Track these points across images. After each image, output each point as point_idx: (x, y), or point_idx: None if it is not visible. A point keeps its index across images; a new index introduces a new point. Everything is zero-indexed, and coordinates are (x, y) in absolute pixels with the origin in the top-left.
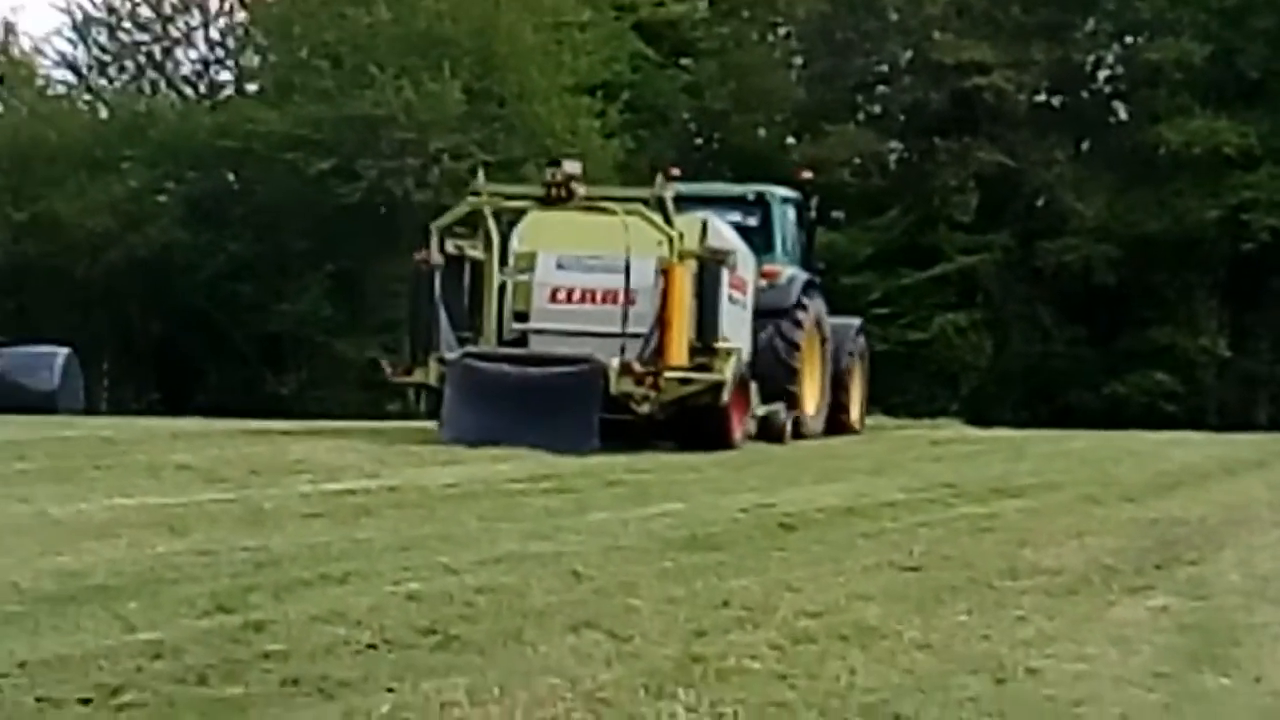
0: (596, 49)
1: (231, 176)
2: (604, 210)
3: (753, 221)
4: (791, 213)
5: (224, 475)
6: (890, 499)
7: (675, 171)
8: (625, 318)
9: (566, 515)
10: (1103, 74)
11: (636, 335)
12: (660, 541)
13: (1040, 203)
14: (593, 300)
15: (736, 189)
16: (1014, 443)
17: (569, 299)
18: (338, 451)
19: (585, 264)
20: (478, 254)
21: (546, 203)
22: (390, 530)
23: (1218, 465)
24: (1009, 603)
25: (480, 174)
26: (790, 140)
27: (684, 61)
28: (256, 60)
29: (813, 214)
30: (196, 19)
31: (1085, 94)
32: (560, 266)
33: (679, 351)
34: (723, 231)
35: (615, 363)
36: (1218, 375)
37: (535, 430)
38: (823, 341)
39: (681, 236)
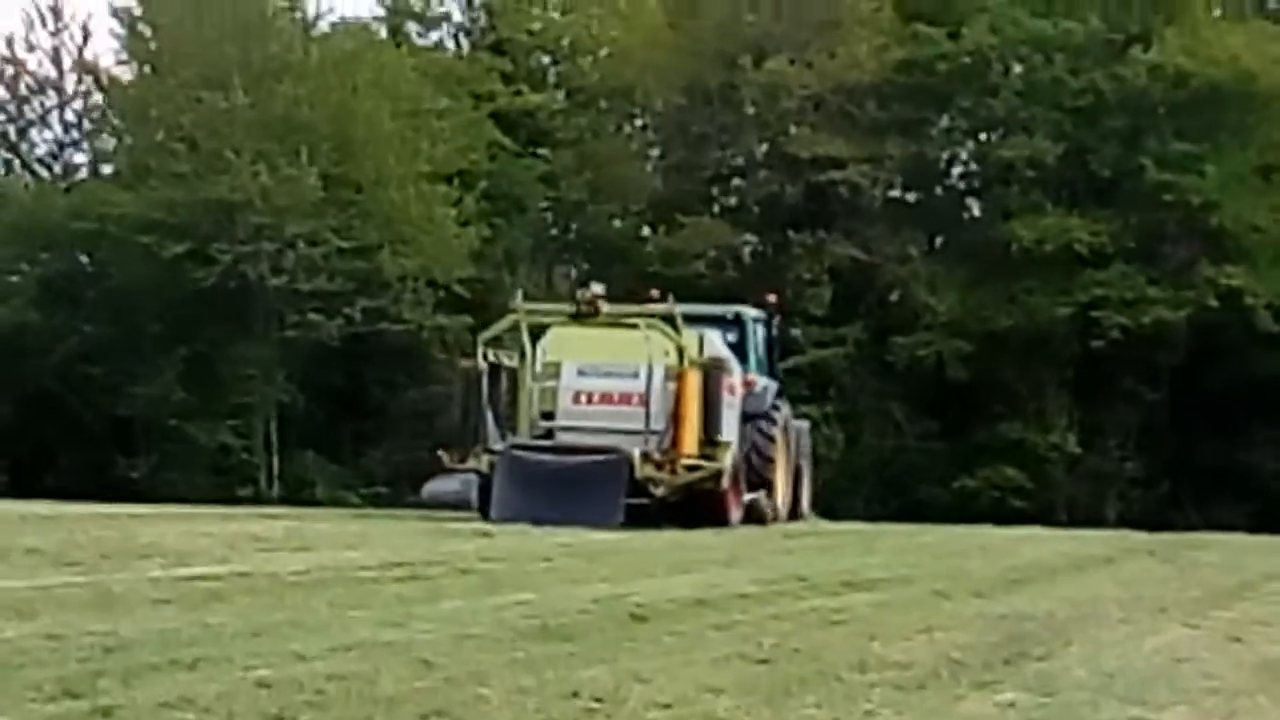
0: (453, 137)
1: (85, 258)
2: (628, 325)
3: (731, 337)
4: (761, 330)
5: (73, 559)
6: (742, 591)
7: (655, 293)
8: (648, 416)
9: (418, 603)
10: (956, 170)
11: (652, 431)
12: (511, 631)
13: (894, 297)
14: (610, 401)
15: (717, 309)
16: (865, 536)
17: (590, 401)
18: (188, 536)
19: (603, 371)
20: (511, 363)
21: (576, 318)
22: (240, 616)
23: (1066, 561)
24: (858, 696)
25: (519, 294)
26: (646, 231)
27: (541, 151)
28: (112, 143)
29: (775, 332)
30: (52, 100)
31: (939, 190)
32: (581, 373)
33: (690, 444)
34: (716, 344)
35: (637, 453)
36: (1067, 471)
37: (571, 509)
38: (787, 441)
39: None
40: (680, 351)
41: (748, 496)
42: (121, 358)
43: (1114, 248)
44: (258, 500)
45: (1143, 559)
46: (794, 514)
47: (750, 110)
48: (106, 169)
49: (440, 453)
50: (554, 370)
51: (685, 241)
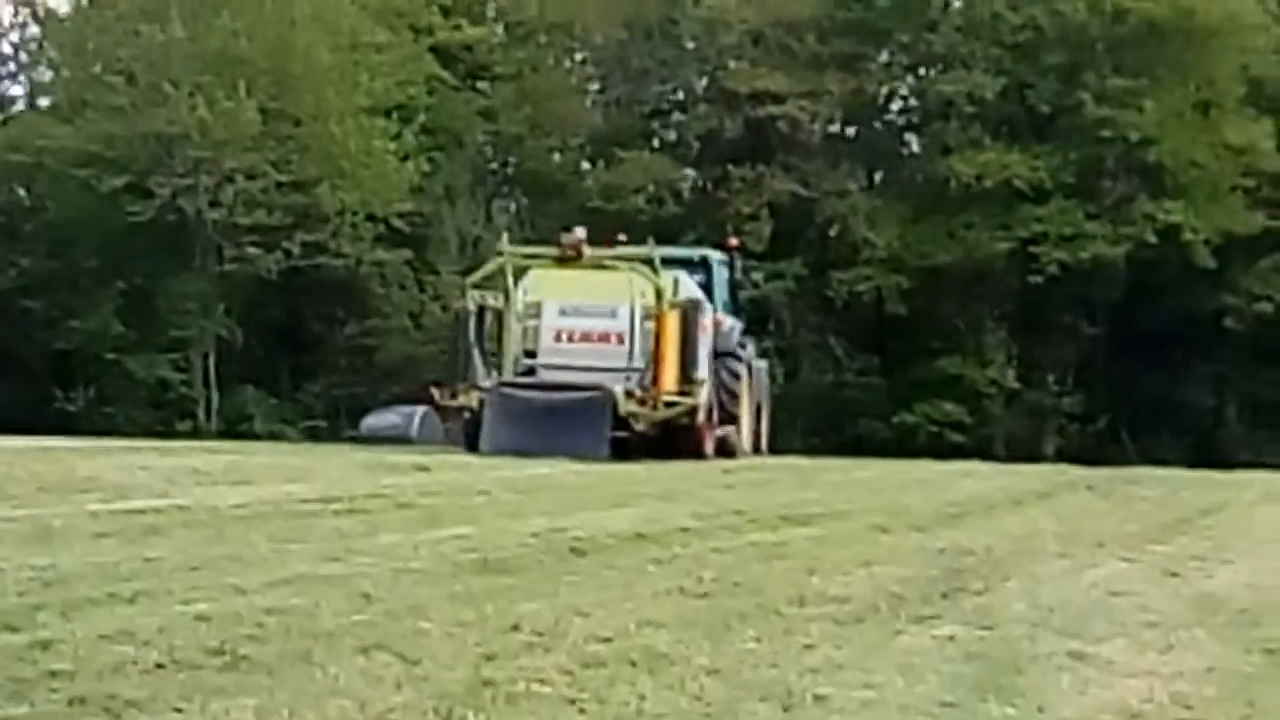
0: (392, 71)
1: (23, 192)
2: (610, 268)
3: (698, 279)
4: (725, 272)
5: (11, 493)
6: (681, 525)
7: (622, 237)
8: (631, 354)
9: (357, 537)
10: (896, 106)
11: (632, 369)
12: (451, 565)
13: (833, 232)
14: (590, 340)
15: (685, 252)
16: (804, 471)
17: (570, 339)
18: (127, 470)
19: (583, 311)
20: (495, 304)
21: (561, 261)
22: (180, 550)
23: (1004, 496)
24: (797, 630)
25: (504, 237)
26: (585, 166)
27: (480, 85)
28: (49, 75)
29: (738, 275)
30: None
31: (878, 125)
32: (563, 313)
33: (670, 381)
34: (689, 286)
35: (620, 389)
36: (1005, 406)
37: (558, 442)
38: (751, 379)
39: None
40: (658, 292)
41: (719, 431)
42: (59, 291)
43: (1053, 183)
44: (196, 434)
45: (1080, 494)
46: (755, 448)
47: (690, 45)
48: (43, 102)
49: (432, 389)
50: (535, 310)
51: (625, 176)
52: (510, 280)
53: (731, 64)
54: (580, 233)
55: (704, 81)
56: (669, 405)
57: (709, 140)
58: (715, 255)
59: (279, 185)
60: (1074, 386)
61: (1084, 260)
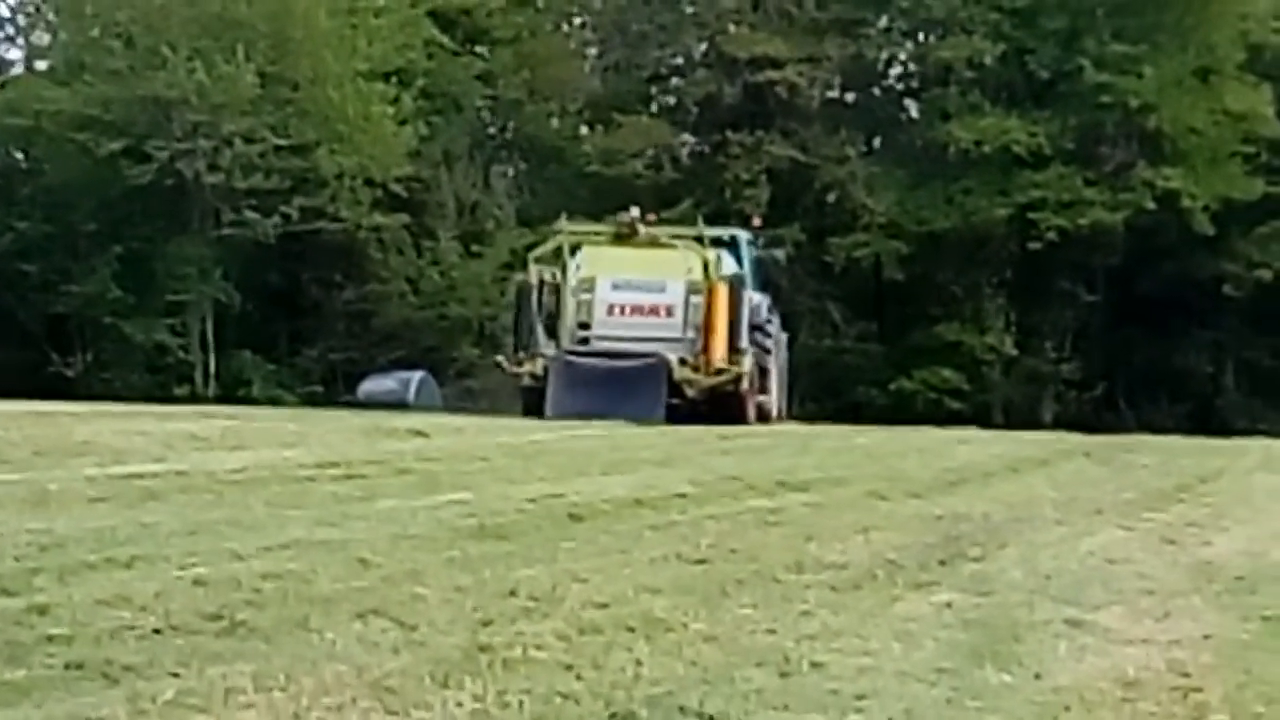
0: (391, 35)
1: (20, 155)
2: (664, 245)
3: (728, 256)
4: (752, 250)
5: (8, 457)
6: (678, 491)
7: (651, 216)
8: (684, 326)
9: (354, 503)
10: (895, 71)
11: (681, 340)
12: (448, 530)
13: (831, 198)
14: (639, 313)
15: (716, 231)
16: (801, 437)
17: (622, 312)
18: (125, 434)
19: (634, 285)
20: (552, 279)
21: (617, 239)
22: (177, 515)
23: (1002, 463)
24: (794, 596)
25: (563, 217)
26: (584, 130)
27: (478, 49)
28: (47, 38)
29: (759, 252)
30: None
31: (877, 91)
32: (615, 287)
33: (720, 350)
34: (729, 263)
35: (674, 358)
36: (1003, 373)
37: (619, 407)
38: (778, 350)
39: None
40: (706, 268)
41: (759, 399)
42: (56, 255)
43: (1052, 149)
44: (194, 399)
45: (1078, 461)
46: (779, 415)
47: (689, 9)
48: (41, 65)
49: (498, 359)
50: (590, 285)
51: (623, 141)
52: (567, 256)
53: (730, 29)
54: (635, 211)
55: (703, 46)
56: (718, 373)
57: (708, 105)
58: (743, 234)
59: (277, 149)
60: (1072, 353)
61: (1083, 227)
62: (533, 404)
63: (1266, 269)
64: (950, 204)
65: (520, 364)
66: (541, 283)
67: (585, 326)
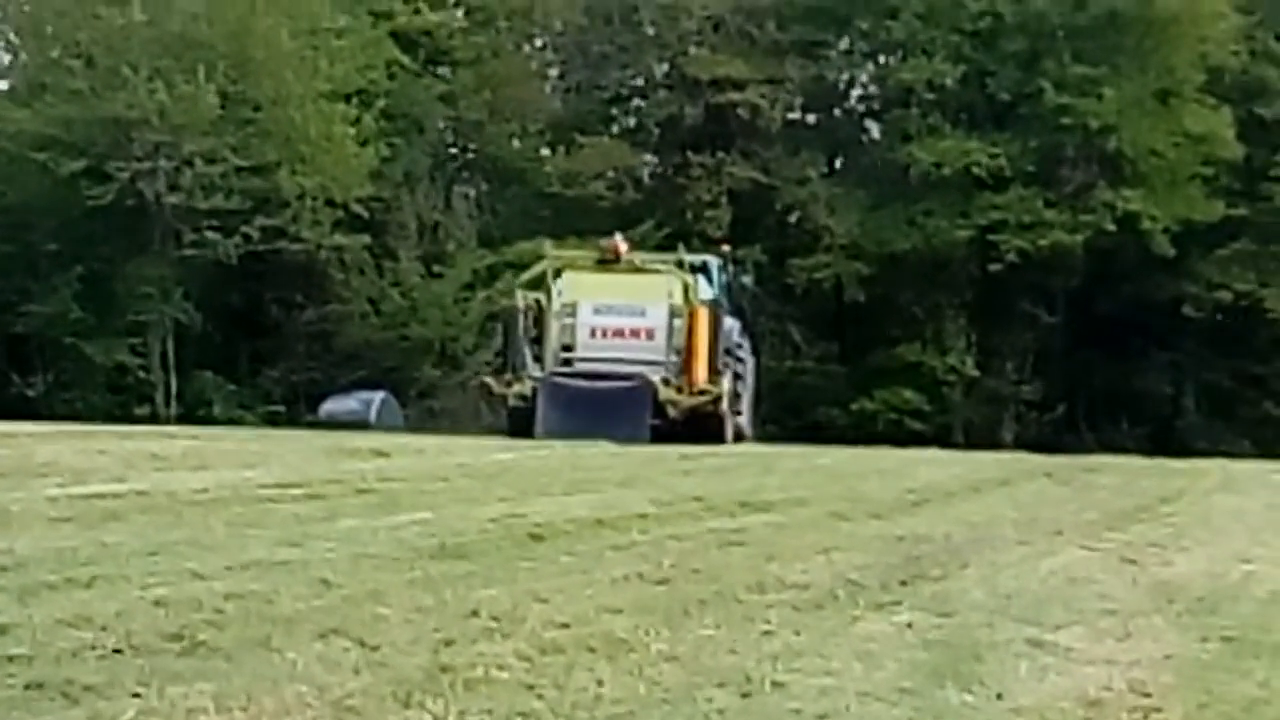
0: (352, 55)
1: None
2: (646, 270)
3: (704, 281)
4: (723, 276)
5: None
6: (640, 511)
7: (625, 246)
8: (667, 349)
9: (315, 522)
10: (856, 93)
11: (662, 362)
12: (409, 550)
13: (793, 219)
14: (621, 336)
15: (689, 257)
16: (763, 457)
17: (604, 335)
18: (86, 454)
19: (615, 309)
20: (534, 303)
21: (602, 264)
22: (138, 535)
23: (963, 483)
24: (756, 616)
25: (548, 244)
26: (545, 151)
27: (440, 70)
28: (7, 59)
29: (729, 277)
30: None
31: (838, 112)
32: (597, 311)
33: (702, 372)
34: (705, 287)
35: (658, 380)
36: (964, 394)
37: (606, 427)
38: (748, 373)
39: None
40: (687, 292)
41: (736, 419)
42: (16, 275)
43: (1012, 171)
44: (155, 419)
45: (1039, 481)
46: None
47: (650, 31)
48: (1, 85)
49: (487, 380)
50: (572, 309)
51: (584, 162)
52: (551, 281)
53: (692, 50)
54: (619, 238)
55: (664, 67)
56: (700, 394)
57: (669, 126)
58: (714, 260)
59: (238, 170)
60: (1032, 374)
61: (1043, 248)
62: (520, 425)
63: (1226, 291)
64: (911, 225)
65: (509, 385)
66: (527, 307)
67: (568, 349)
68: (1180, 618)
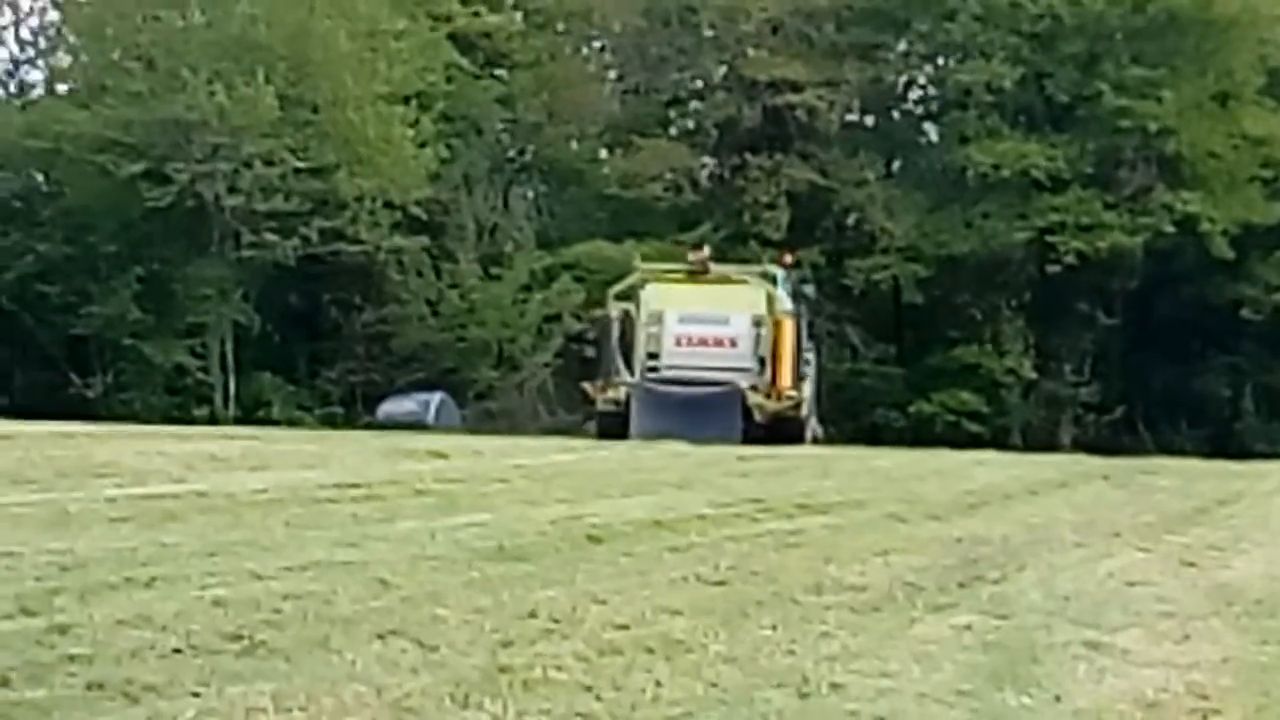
0: (411, 58)
1: (41, 177)
2: (733, 281)
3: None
4: (786, 285)
5: (29, 477)
6: (697, 512)
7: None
8: (752, 356)
9: (374, 524)
10: (914, 95)
11: (743, 369)
12: (468, 551)
13: (850, 221)
14: (705, 344)
15: (754, 269)
16: (820, 459)
17: (689, 343)
18: (145, 455)
19: (699, 318)
20: (625, 313)
21: (690, 275)
22: (197, 535)
23: (1021, 485)
24: (814, 618)
25: (637, 256)
26: (603, 154)
27: (498, 73)
28: (68, 61)
29: (791, 286)
30: (7, 17)
31: (896, 114)
32: (682, 320)
33: (787, 378)
34: (784, 298)
35: (746, 385)
36: (1022, 396)
37: (699, 429)
38: (814, 378)
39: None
40: (771, 302)
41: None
42: (77, 277)
43: (1071, 173)
44: (213, 420)
45: (1097, 483)
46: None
47: (708, 33)
48: (62, 87)
49: (585, 385)
50: (658, 318)
51: (642, 164)
52: (640, 292)
53: (750, 52)
54: (706, 250)
55: (722, 70)
56: (784, 399)
57: (727, 128)
58: (778, 271)
59: (297, 171)
60: (1090, 376)
61: (1101, 250)
62: (611, 428)
63: None
64: (969, 227)
65: (604, 390)
66: (619, 317)
67: (654, 356)
68: (1239, 620)
